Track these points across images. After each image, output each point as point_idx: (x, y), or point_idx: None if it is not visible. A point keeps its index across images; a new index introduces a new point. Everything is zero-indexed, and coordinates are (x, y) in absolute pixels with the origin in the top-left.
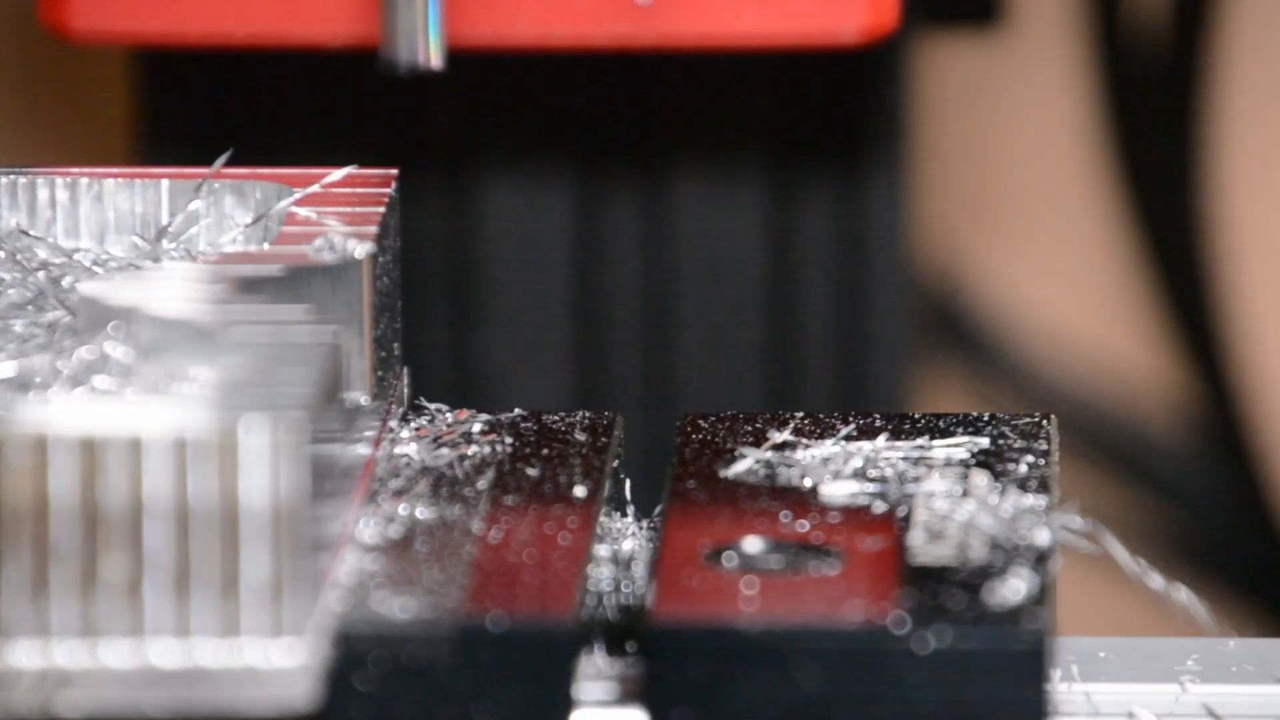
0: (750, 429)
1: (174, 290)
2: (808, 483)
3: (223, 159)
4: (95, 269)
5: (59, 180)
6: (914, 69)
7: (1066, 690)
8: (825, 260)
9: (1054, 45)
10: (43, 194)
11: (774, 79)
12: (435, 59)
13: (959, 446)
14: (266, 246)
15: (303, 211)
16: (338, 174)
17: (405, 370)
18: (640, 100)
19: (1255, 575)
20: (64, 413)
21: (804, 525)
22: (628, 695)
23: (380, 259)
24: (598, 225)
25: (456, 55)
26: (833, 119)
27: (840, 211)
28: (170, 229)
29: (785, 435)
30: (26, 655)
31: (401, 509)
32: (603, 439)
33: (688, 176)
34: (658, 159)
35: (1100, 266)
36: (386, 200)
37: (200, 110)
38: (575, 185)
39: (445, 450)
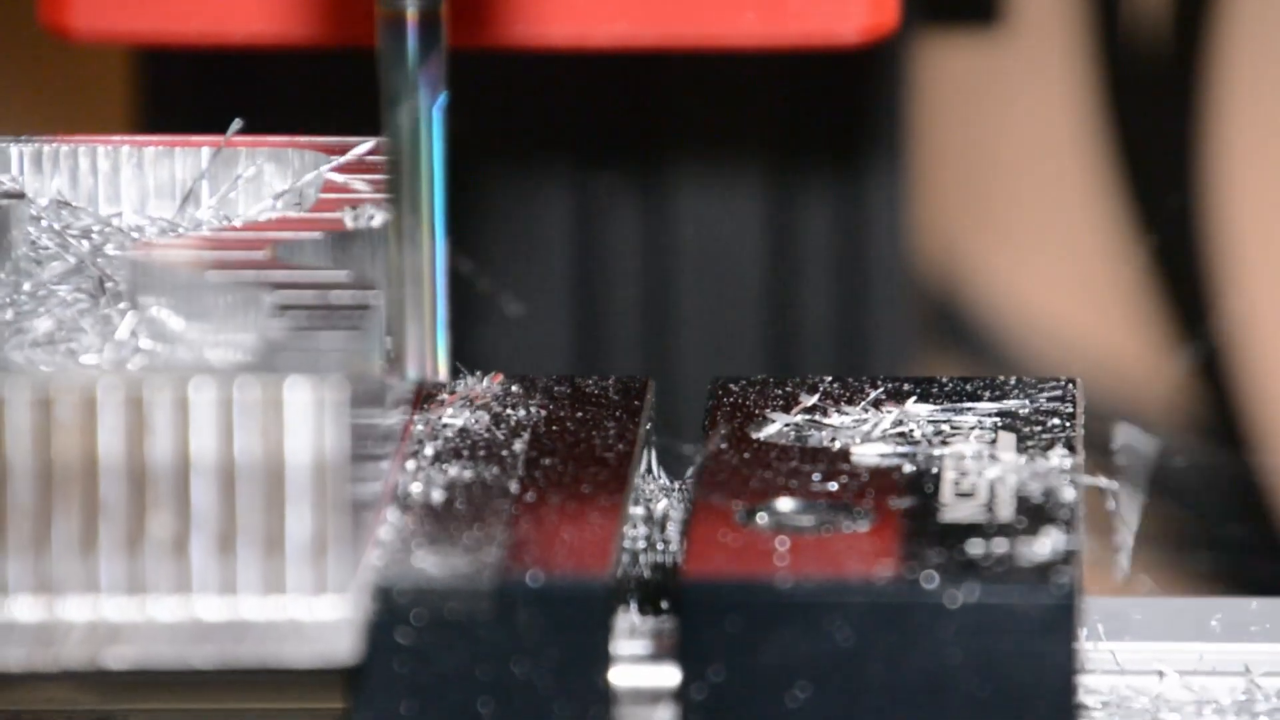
0: (780, 393)
1: (216, 254)
2: (838, 445)
3: (236, 125)
4: (136, 235)
5: (100, 149)
6: (914, 69)
7: (1093, 648)
8: (825, 260)
9: (1054, 45)
10: (84, 162)
11: (774, 79)
12: (442, 373)
13: (986, 409)
14: (304, 213)
15: (339, 179)
16: (368, 143)
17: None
18: (640, 100)
19: (1255, 574)
20: (112, 373)
21: (834, 485)
22: (662, 652)
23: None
24: (598, 224)
25: (457, 55)
26: (833, 119)
27: (840, 211)
28: (209, 195)
29: (814, 399)
30: (76, 610)
31: (440, 470)
32: (635, 402)
33: (688, 176)
34: (658, 159)
35: (1099, 265)
36: None
37: (200, 110)
38: (575, 185)
39: (482, 413)
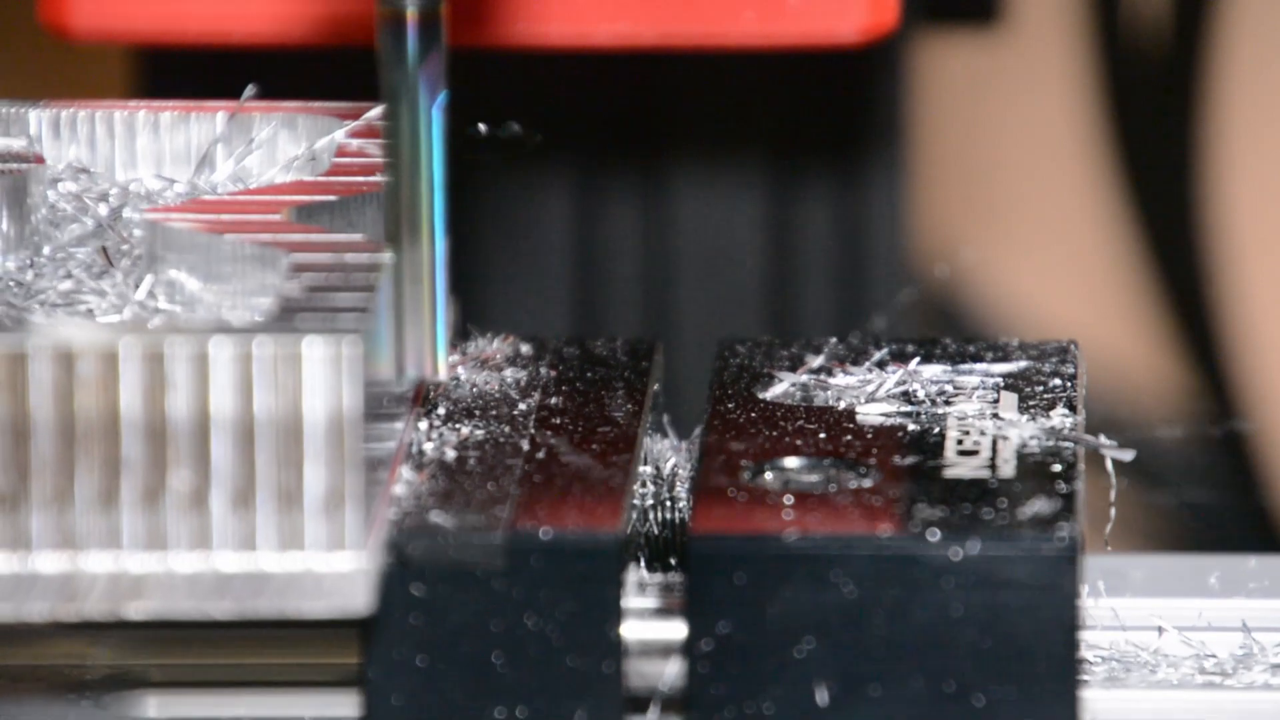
0: (786, 354)
1: (232, 218)
2: (843, 404)
3: (250, 91)
4: (154, 199)
5: (117, 114)
6: (914, 68)
7: (1094, 605)
8: (825, 258)
9: (1054, 44)
10: (101, 128)
11: (775, 78)
12: (442, 372)
13: (989, 369)
14: (319, 177)
15: (353, 143)
16: (377, 109)
17: (453, 297)
18: (641, 99)
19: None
20: (133, 330)
21: (840, 444)
22: (670, 607)
23: None
24: (598, 223)
25: (457, 54)
26: (833, 118)
27: (840, 210)
28: (225, 160)
29: (820, 361)
30: (98, 564)
31: (453, 428)
32: (644, 363)
33: (688, 176)
34: (658, 158)
35: (1099, 264)
36: None
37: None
38: (576, 184)
39: (493, 374)
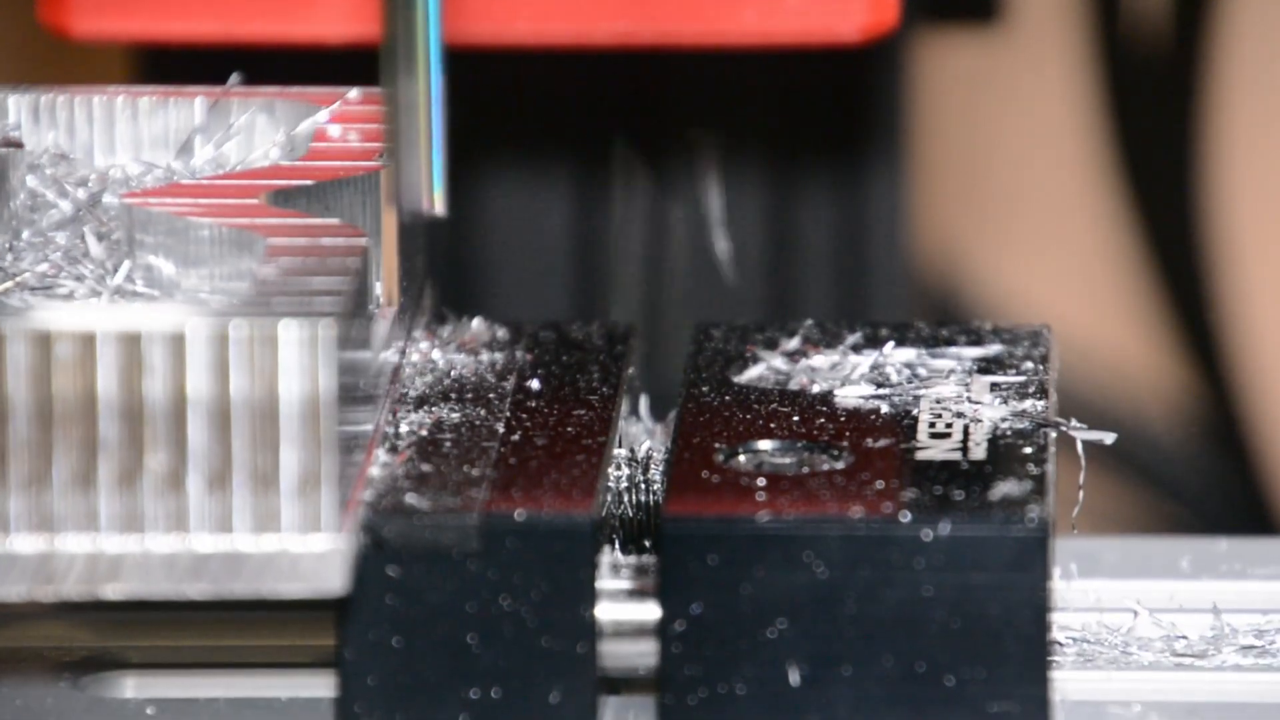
0: (761, 337)
1: (210, 202)
2: (817, 388)
3: (235, 79)
4: (133, 184)
5: (96, 99)
6: (914, 66)
7: (1065, 587)
8: (826, 256)
9: (1054, 42)
10: (80, 113)
11: (775, 76)
12: (439, 206)
13: (961, 353)
14: (297, 162)
15: (331, 128)
16: (355, 92)
17: (430, 281)
18: (642, 98)
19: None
20: (109, 314)
21: (814, 427)
22: (644, 588)
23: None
24: (599, 222)
25: (457, 53)
26: (833, 116)
27: (840, 208)
28: (204, 145)
29: (795, 343)
30: (75, 545)
31: (429, 411)
32: (620, 346)
33: (688, 173)
34: (660, 157)
35: (1100, 263)
36: None
37: None
38: (576, 182)
39: (469, 357)
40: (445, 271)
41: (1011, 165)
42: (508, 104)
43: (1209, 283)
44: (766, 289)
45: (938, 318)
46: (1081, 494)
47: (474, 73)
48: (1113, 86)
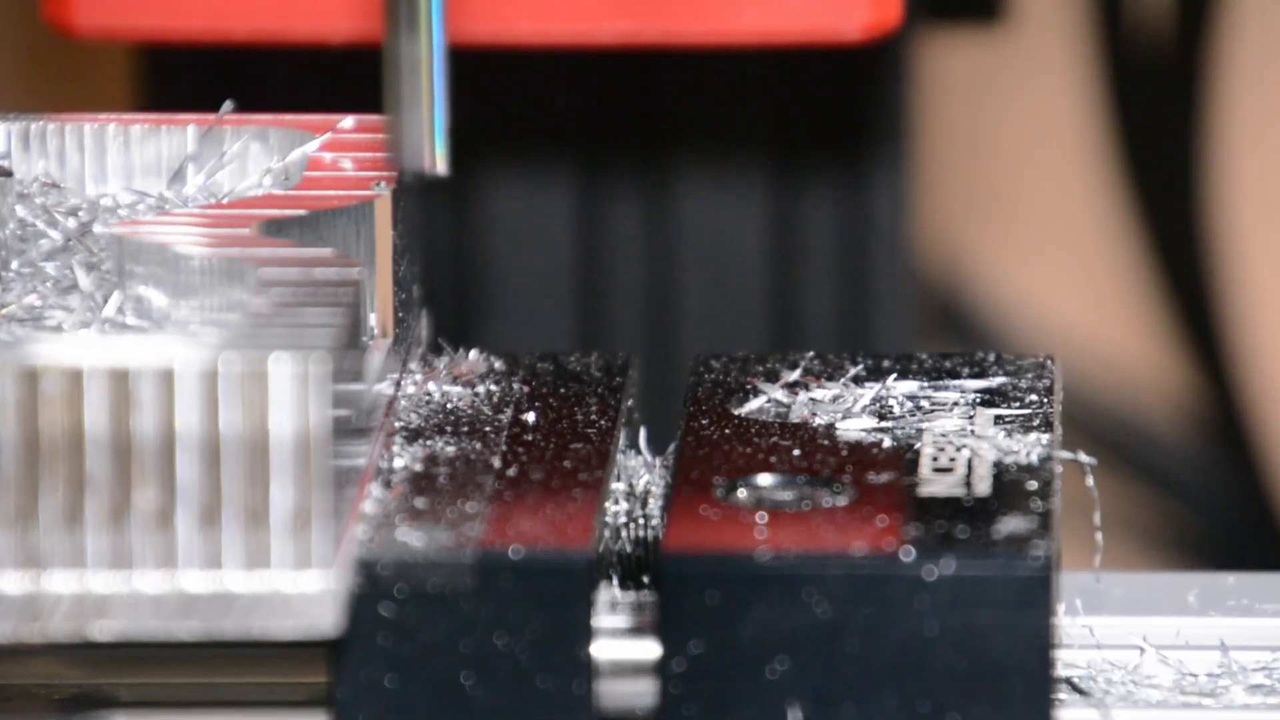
0: (762, 369)
1: (201, 232)
2: (818, 420)
3: (227, 106)
4: (123, 213)
5: (87, 127)
6: (917, 66)
7: (1070, 623)
8: (828, 256)
9: (1057, 42)
10: (70, 140)
11: (777, 76)
12: (441, 165)
13: (965, 385)
14: (290, 190)
15: (325, 156)
16: (349, 120)
17: (425, 312)
18: (644, 98)
19: (1256, 570)
20: (98, 348)
21: (815, 461)
22: (642, 626)
23: (400, 202)
24: (600, 222)
25: (458, 53)
26: (836, 116)
27: (843, 208)
28: (196, 173)
29: (796, 375)
30: (62, 583)
31: (423, 445)
32: (618, 379)
33: (691, 174)
34: (661, 156)
35: (1103, 262)
36: None
37: (202, 108)
38: (578, 182)
39: (465, 389)
40: (444, 285)
41: (1014, 165)
42: (511, 103)
43: (1212, 281)
44: (769, 288)
45: (941, 318)
46: (1100, 536)
47: (478, 71)
48: (1116, 86)
